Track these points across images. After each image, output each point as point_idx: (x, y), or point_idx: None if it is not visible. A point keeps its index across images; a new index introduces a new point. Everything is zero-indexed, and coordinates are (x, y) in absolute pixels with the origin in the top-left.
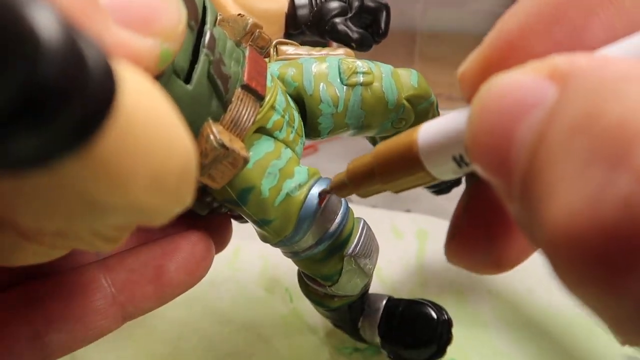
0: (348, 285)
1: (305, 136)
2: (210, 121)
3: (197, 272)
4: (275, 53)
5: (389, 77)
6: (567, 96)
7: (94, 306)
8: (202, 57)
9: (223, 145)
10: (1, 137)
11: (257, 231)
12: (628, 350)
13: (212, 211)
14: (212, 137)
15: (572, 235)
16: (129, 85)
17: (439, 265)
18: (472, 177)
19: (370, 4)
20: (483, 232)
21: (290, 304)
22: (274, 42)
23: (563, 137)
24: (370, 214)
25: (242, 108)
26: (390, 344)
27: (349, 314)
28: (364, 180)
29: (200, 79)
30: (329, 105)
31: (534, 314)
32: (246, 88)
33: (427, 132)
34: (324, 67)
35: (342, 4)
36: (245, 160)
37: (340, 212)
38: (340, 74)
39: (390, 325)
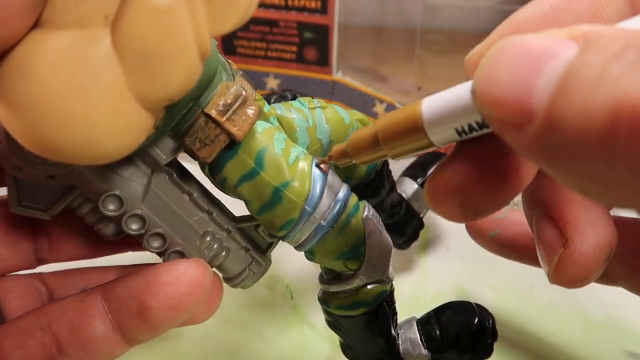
0: (378, 259)
1: None
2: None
3: (181, 307)
4: None
5: (337, 107)
6: (598, 41)
7: (94, 334)
8: None
9: (245, 89)
10: None
11: (268, 220)
12: (629, 346)
13: None
14: (233, 86)
15: None
16: None
17: (441, 260)
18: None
19: None
20: (466, 180)
21: (290, 301)
22: None
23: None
24: None
25: (244, 83)
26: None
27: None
28: (365, 147)
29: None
30: (302, 120)
31: (535, 309)
32: (243, 76)
33: (431, 103)
34: (289, 103)
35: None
36: (261, 109)
37: (343, 186)
38: (302, 103)
39: (432, 336)
